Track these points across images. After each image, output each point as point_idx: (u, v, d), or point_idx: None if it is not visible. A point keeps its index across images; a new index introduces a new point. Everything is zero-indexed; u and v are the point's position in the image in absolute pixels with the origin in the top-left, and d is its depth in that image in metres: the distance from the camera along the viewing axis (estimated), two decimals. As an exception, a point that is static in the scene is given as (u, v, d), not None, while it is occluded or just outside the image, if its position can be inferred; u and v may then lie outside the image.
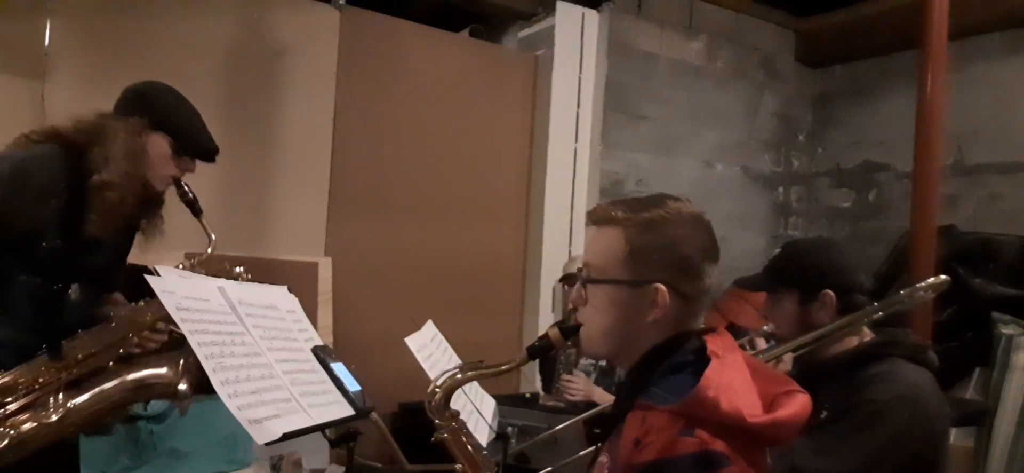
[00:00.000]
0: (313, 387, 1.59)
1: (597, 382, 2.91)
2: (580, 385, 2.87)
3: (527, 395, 3.20)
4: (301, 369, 1.61)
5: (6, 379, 1.64)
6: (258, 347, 1.53)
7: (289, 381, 1.52)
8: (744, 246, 4.45)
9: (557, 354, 2.91)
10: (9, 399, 1.62)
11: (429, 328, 2.16)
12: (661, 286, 1.13)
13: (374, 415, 1.80)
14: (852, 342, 1.70)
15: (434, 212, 3.70)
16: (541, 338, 1.23)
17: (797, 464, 1.53)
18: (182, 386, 1.69)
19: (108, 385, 1.67)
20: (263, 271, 2.14)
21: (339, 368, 1.70)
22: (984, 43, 3.99)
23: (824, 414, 1.57)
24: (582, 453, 2.14)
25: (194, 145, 1.95)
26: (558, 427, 2.34)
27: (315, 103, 3.36)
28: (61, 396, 1.63)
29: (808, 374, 1.57)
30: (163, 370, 1.70)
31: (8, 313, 1.76)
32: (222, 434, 2.65)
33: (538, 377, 3.25)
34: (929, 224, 2.99)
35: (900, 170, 4.34)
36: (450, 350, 2.20)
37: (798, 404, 1.05)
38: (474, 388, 2.14)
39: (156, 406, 2.37)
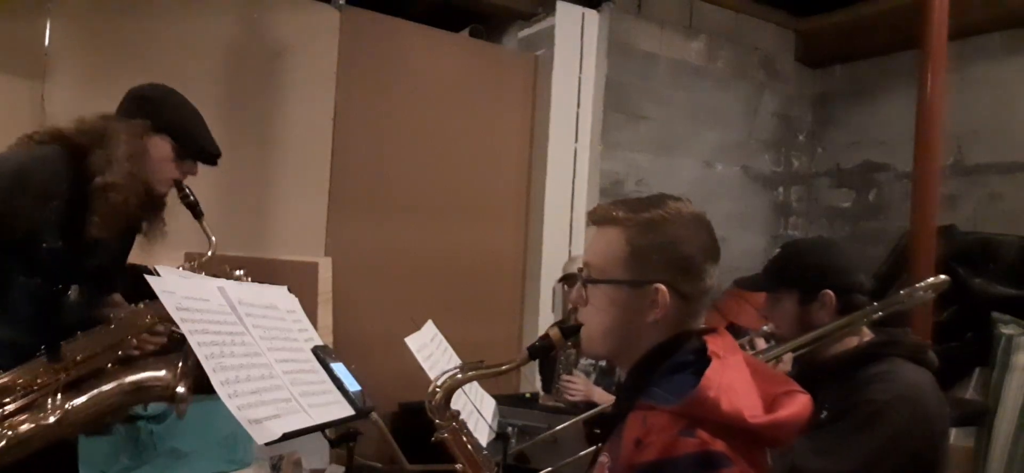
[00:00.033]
0: (313, 387, 1.59)
1: (597, 382, 2.91)
2: (580, 385, 2.87)
3: (527, 395, 3.20)
4: (301, 369, 1.61)
5: (4, 380, 1.64)
6: (258, 347, 1.53)
7: (289, 381, 1.52)
8: (744, 246, 4.45)
9: (557, 354, 2.91)
10: (7, 400, 1.62)
11: (429, 328, 2.16)
12: (662, 286, 1.13)
13: (374, 415, 1.80)
14: (852, 342, 1.70)
15: (434, 212, 3.70)
16: (542, 338, 1.22)
17: (797, 464, 1.53)
18: (180, 389, 1.69)
19: (106, 387, 1.68)
20: (263, 271, 2.14)
21: (339, 368, 1.70)
22: (984, 43, 3.99)
23: (824, 414, 1.57)
24: (582, 453, 2.14)
25: (196, 148, 1.95)
26: (558, 427, 2.34)
27: (315, 103, 3.37)
28: (59, 398, 1.63)
29: (808, 374, 1.57)
30: (161, 373, 1.70)
31: (7, 314, 1.76)
32: (222, 434, 2.65)
33: (538, 377, 3.25)
34: (929, 224, 2.99)
35: (900, 170, 4.34)
36: (450, 350, 2.20)
37: (799, 404, 1.05)
38: (474, 388, 2.14)
39: (156, 406, 2.37)
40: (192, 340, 1.37)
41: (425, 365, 1.96)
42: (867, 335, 1.72)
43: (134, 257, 2.06)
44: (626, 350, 1.19)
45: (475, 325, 3.36)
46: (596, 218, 1.22)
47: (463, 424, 1.36)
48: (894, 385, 1.58)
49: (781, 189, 4.84)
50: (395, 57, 3.57)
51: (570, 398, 2.87)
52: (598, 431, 1.68)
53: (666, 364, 1.12)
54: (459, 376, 1.31)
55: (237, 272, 1.83)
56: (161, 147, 1.89)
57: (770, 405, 1.04)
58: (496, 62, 4.05)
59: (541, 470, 2.21)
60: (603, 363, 2.96)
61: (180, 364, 1.70)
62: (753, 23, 4.60)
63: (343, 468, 2.07)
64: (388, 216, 3.57)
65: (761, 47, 4.66)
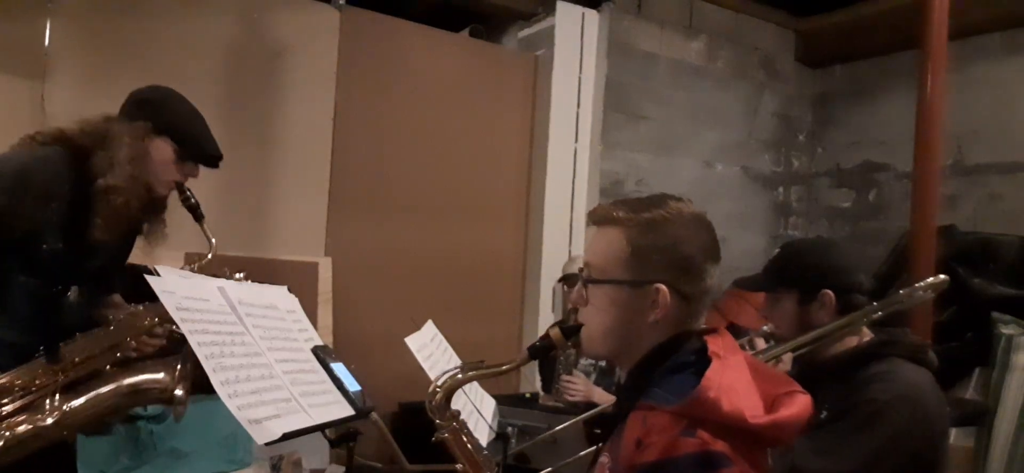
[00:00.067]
0: (313, 387, 1.59)
1: (597, 382, 2.92)
2: (580, 385, 2.87)
3: (527, 395, 3.20)
4: (301, 369, 1.61)
5: (3, 381, 1.64)
6: (258, 347, 1.53)
7: (289, 381, 1.52)
8: (744, 246, 4.45)
9: (557, 354, 2.91)
10: (5, 400, 1.62)
11: (429, 328, 2.16)
12: (662, 286, 1.13)
13: (374, 415, 1.80)
14: (852, 342, 1.70)
15: (434, 212, 3.70)
16: (542, 338, 1.22)
17: (797, 464, 1.53)
18: (178, 392, 1.69)
19: (104, 389, 1.67)
20: (263, 271, 2.14)
21: (339, 368, 1.70)
22: (984, 43, 3.99)
23: (824, 414, 1.57)
24: (582, 453, 2.14)
25: (198, 150, 1.95)
26: (558, 427, 2.34)
27: (315, 103, 3.37)
28: (57, 399, 1.63)
29: (808, 374, 1.57)
30: (159, 375, 1.70)
31: (7, 314, 1.76)
32: (222, 434, 2.65)
33: (538, 377, 3.25)
34: (929, 224, 2.99)
35: (900, 170, 4.34)
36: (450, 350, 2.20)
37: (799, 405, 1.05)
38: (474, 388, 2.14)
39: (156, 407, 2.37)
40: (192, 340, 1.36)
41: (425, 365, 1.96)
42: (867, 335, 1.72)
43: (134, 258, 2.06)
44: (626, 350, 1.18)
45: (475, 325, 3.36)
46: (596, 218, 1.22)
47: (463, 424, 1.36)
48: (894, 385, 1.58)
49: (781, 189, 4.84)
50: (395, 57, 3.57)
51: (570, 398, 2.87)
52: (598, 431, 1.68)
53: (667, 364, 1.12)
54: (459, 376, 1.31)
55: (237, 275, 1.83)
56: (163, 149, 1.89)
57: (771, 405, 1.04)
58: (496, 62, 4.05)
59: (541, 470, 2.21)
60: (603, 363, 2.96)
61: (178, 367, 1.69)
62: (753, 23, 4.60)
63: (343, 468, 2.07)
64: (388, 216, 3.57)
65: (761, 47, 4.66)
